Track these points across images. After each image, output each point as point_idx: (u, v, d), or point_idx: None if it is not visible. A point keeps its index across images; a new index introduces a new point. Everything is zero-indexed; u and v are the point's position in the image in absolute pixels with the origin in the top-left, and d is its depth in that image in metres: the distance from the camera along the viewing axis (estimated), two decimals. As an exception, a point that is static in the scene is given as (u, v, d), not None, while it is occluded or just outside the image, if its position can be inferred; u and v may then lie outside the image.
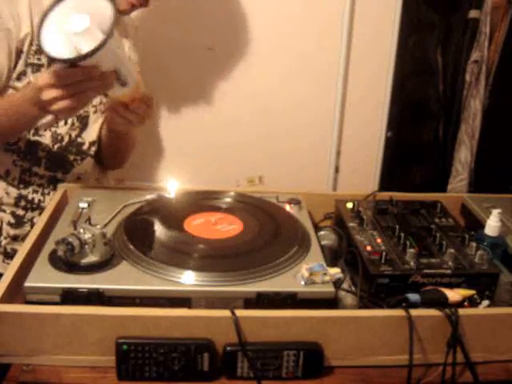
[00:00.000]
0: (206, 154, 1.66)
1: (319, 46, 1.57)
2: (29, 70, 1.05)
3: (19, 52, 1.04)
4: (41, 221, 0.94)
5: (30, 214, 1.15)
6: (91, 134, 1.20)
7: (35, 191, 1.15)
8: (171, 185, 1.04)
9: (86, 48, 0.80)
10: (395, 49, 1.61)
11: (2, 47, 1.01)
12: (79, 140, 1.19)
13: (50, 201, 1.06)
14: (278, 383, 0.75)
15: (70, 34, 0.82)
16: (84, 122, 1.18)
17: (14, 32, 1.02)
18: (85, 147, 1.20)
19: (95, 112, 1.20)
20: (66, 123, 1.15)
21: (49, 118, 0.94)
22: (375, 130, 1.70)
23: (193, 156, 1.65)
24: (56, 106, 0.85)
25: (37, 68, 1.06)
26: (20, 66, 1.05)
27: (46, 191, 1.16)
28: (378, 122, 1.69)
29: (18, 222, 1.15)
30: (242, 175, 1.68)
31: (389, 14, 1.57)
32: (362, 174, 1.74)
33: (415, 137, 1.83)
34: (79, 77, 0.83)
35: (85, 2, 0.84)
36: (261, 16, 1.52)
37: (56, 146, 1.15)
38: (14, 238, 1.14)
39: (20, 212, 1.14)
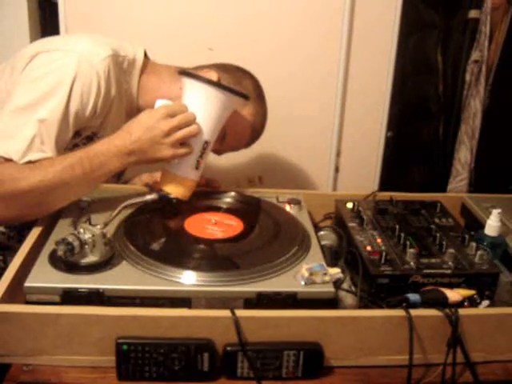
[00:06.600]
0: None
1: (319, 45, 1.57)
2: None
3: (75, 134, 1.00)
4: (41, 221, 0.94)
5: None
6: None
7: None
8: None
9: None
10: (395, 49, 1.60)
11: (70, 130, 0.97)
12: None
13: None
14: (278, 383, 0.75)
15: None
16: None
17: (84, 122, 0.99)
18: None
19: None
20: None
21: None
22: (375, 130, 1.70)
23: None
24: (173, 137, 0.91)
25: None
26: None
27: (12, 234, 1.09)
28: (378, 121, 1.69)
29: None
30: (242, 175, 1.68)
31: (389, 14, 1.57)
32: (362, 174, 1.73)
33: (415, 137, 1.83)
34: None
35: None
36: (261, 16, 1.51)
37: None
38: None
39: None
